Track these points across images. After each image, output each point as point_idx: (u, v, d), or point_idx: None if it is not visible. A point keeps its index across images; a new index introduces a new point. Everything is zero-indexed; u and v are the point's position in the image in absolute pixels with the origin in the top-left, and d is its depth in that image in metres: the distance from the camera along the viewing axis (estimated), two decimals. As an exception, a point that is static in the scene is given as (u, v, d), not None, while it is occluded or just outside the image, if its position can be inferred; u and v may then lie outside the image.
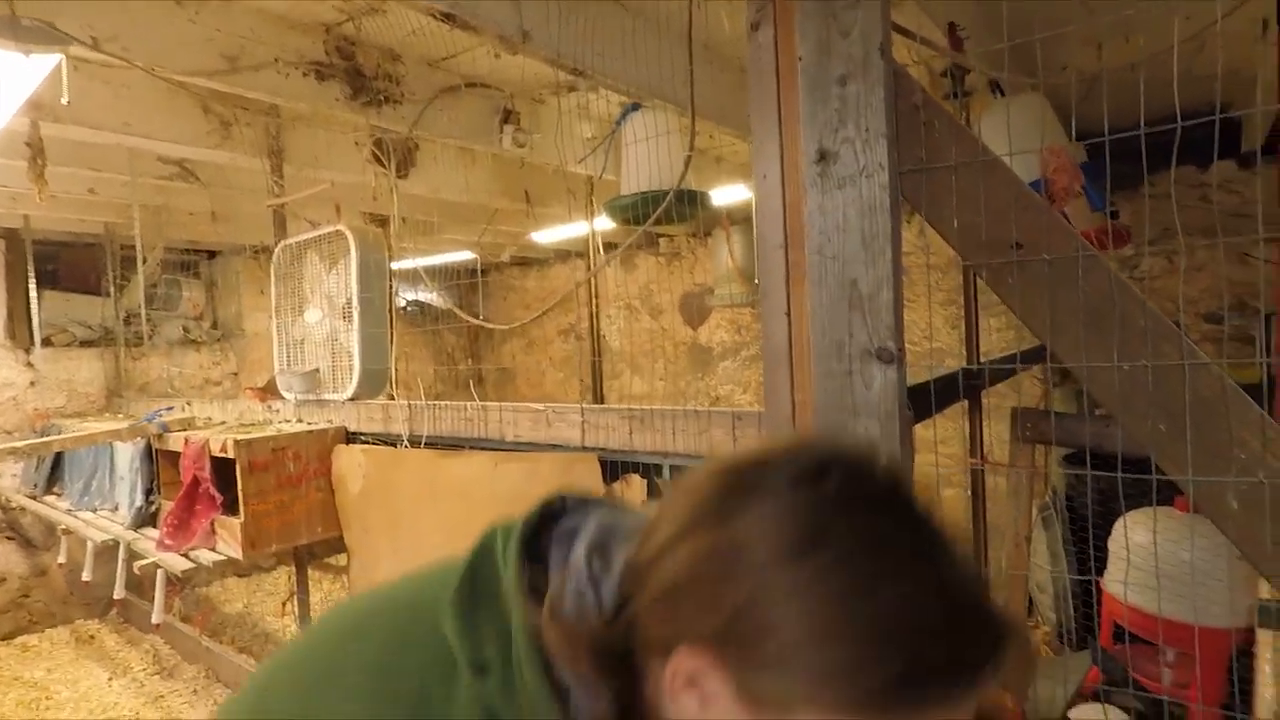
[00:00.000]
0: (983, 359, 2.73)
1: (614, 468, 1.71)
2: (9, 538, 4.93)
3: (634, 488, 1.65)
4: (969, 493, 2.68)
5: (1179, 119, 0.78)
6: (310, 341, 2.66)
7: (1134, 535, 2.39)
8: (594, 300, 4.60)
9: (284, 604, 3.67)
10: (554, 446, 1.86)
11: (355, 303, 2.42)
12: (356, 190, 3.24)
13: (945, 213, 0.85)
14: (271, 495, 2.29)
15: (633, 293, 6.58)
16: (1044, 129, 2.22)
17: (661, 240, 6.21)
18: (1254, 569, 0.70)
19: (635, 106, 2.41)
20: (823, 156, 0.90)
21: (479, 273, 6.74)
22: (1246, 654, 2.25)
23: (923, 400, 1.76)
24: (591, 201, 3.63)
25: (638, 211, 2.18)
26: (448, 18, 1.83)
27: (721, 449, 1.53)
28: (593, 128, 3.12)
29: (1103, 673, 2.62)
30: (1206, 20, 1.62)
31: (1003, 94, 2.27)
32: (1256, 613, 2.01)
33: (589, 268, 5.59)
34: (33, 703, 3.82)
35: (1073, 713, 2.47)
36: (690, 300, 5.90)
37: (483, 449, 2.03)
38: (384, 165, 2.84)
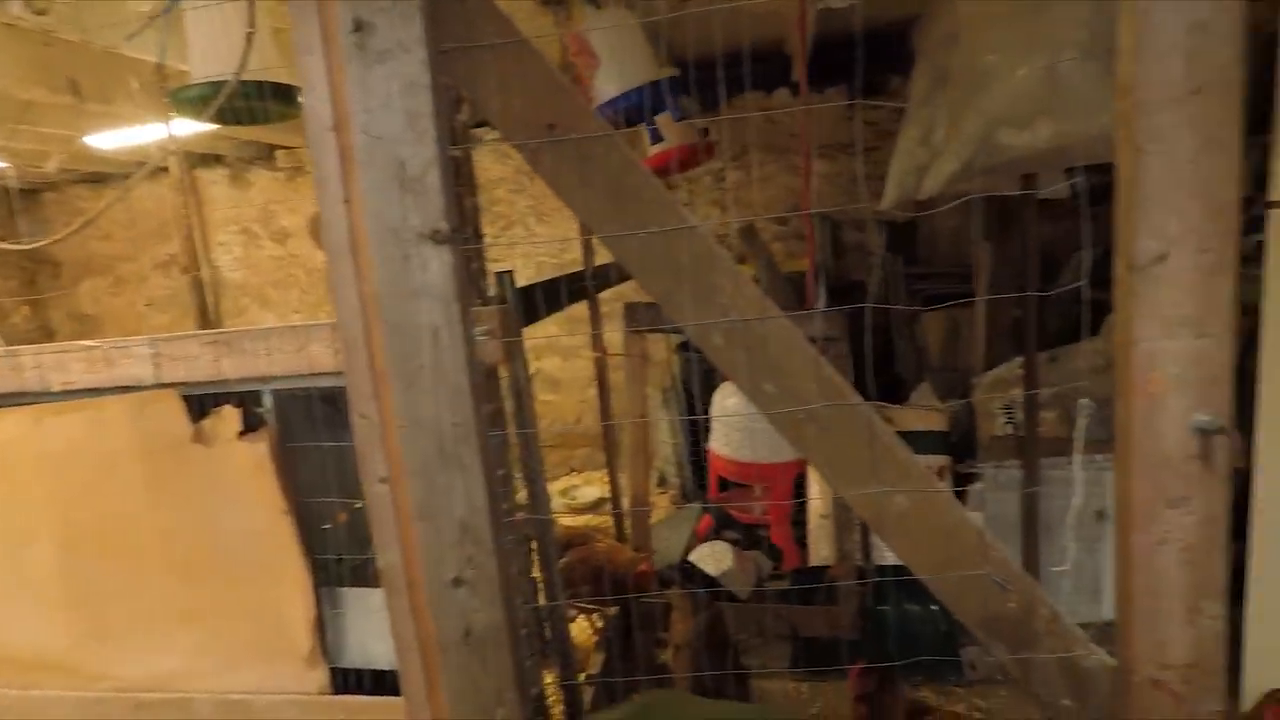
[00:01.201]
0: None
1: (201, 403, 1.50)
2: None
3: (227, 421, 1.48)
4: (596, 378, 2.97)
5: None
6: None
7: (725, 401, 2.87)
8: (193, 224, 3.92)
9: None
10: (124, 389, 1.56)
11: None
12: None
13: (487, 93, 0.87)
14: None
15: (249, 215, 5.75)
16: (632, 43, 2.41)
17: (279, 153, 5.49)
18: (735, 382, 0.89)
19: (193, -23, 2.02)
20: (359, 27, 0.84)
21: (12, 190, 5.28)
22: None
23: (536, 301, 1.86)
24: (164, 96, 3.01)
25: (209, 105, 1.85)
26: None
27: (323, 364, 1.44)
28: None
29: (713, 518, 3.19)
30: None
31: (598, 6, 2.38)
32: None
33: (183, 181, 4.72)
34: None
35: (691, 555, 2.96)
36: (320, 221, 5.35)
37: (22, 405, 1.62)
38: None
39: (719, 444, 2.96)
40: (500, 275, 1.81)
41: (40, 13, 2.23)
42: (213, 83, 1.89)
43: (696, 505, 3.39)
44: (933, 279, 4.01)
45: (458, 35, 0.86)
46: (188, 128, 3.11)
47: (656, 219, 0.84)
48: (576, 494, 4.23)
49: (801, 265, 4.24)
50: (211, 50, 1.94)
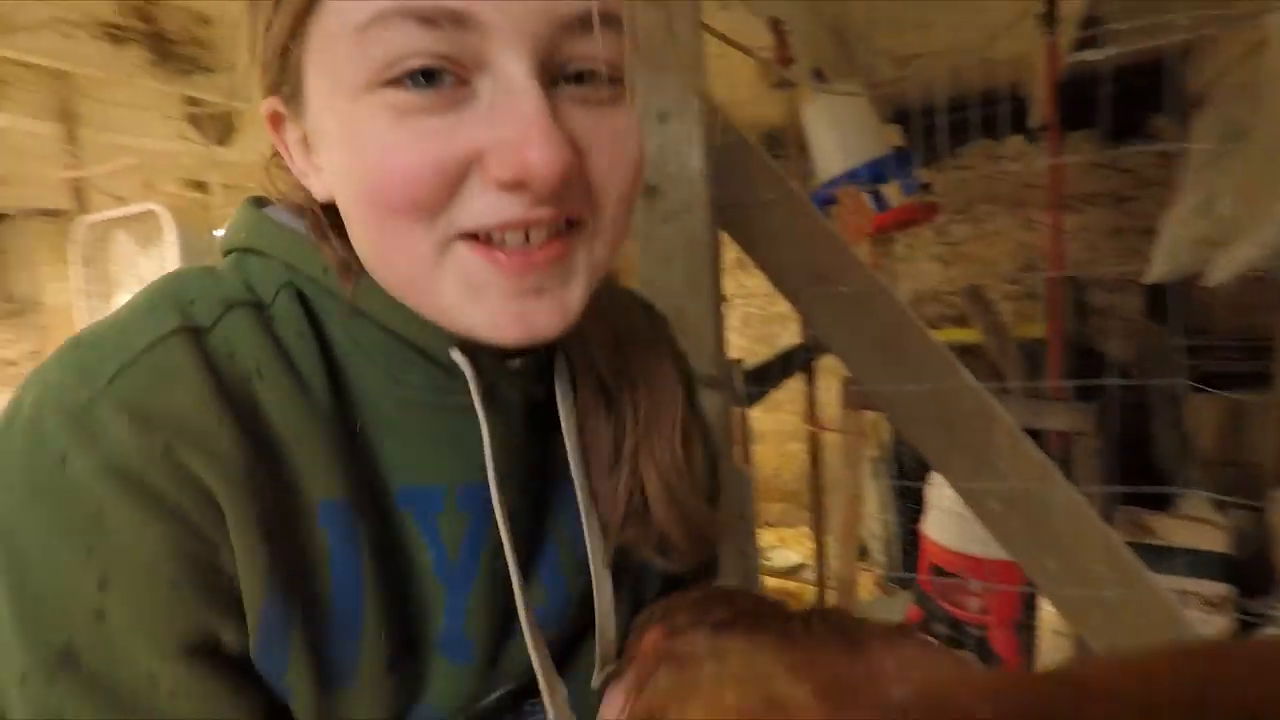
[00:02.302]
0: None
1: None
2: None
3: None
4: (809, 452, 2.92)
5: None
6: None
7: (947, 485, 2.69)
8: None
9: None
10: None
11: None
12: (169, 158, 2.93)
13: (761, 247, 0.92)
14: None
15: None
16: (856, 115, 2.39)
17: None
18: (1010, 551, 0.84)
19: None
20: (650, 191, 0.93)
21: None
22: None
23: (765, 375, 1.89)
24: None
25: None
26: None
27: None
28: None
29: (921, 609, 2.97)
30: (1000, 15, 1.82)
31: (825, 81, 2.40)
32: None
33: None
34: None
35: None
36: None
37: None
38: (200, 138, 2.59)
39: (935, 529, 2.77)
40: (730, 366, 1.86)
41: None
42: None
43: (905, 595, 3.19)
44: (1208, 353, 3.46)
45: (735, 193, 0.92)
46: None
47: (928, 372, 0.83)
48: (773, 555, 4.16)
49: (1034, 330, 3.86)
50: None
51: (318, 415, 0.40)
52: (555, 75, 0.38)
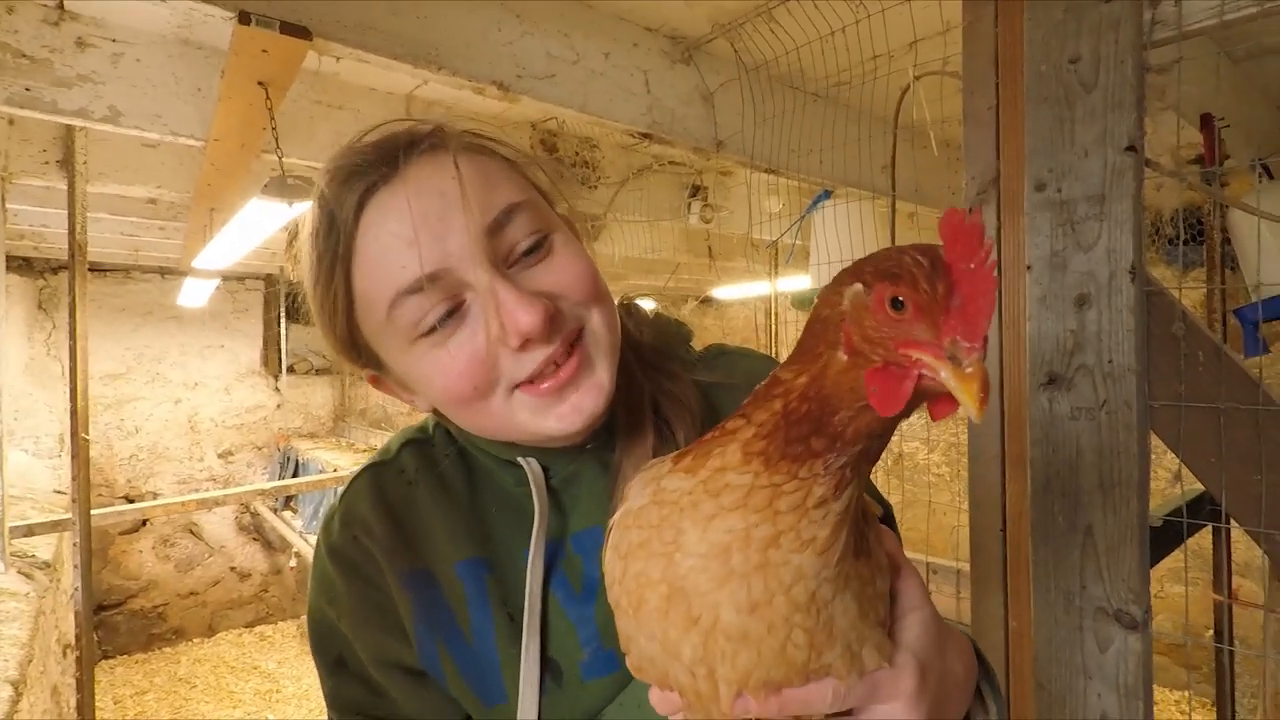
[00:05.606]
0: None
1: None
2: (254, 539, 5.77)
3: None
4: (1212, 632, 2.30)
5: None
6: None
7: None
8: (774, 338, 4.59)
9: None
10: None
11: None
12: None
13: (1209, 461, 0.73)
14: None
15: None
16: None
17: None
18: None
19: (827, 194, 2.34)
20: (1051, 380, 0.81)
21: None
22: None
23: (1158, 538, 1.54)
24: (775, 265, 3.57)
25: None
26: (645, 136, 1.89)
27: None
28: (781, 199, 3.09)
29: None
30: None
31: (1270, 176, 1.93)
32: None
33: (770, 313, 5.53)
34: (267, 693, 4.42)
35: None
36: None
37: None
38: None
39: None
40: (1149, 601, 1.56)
41: (707, 221, 2.91)
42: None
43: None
44: None
45: (1175, 393, 0.75)
46: (786, 283, 3.65)
47: None
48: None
49: None
50: (834, 259, 2.21)
51: (457, 503, 0.60)
52: (508, 260, 0.54)
